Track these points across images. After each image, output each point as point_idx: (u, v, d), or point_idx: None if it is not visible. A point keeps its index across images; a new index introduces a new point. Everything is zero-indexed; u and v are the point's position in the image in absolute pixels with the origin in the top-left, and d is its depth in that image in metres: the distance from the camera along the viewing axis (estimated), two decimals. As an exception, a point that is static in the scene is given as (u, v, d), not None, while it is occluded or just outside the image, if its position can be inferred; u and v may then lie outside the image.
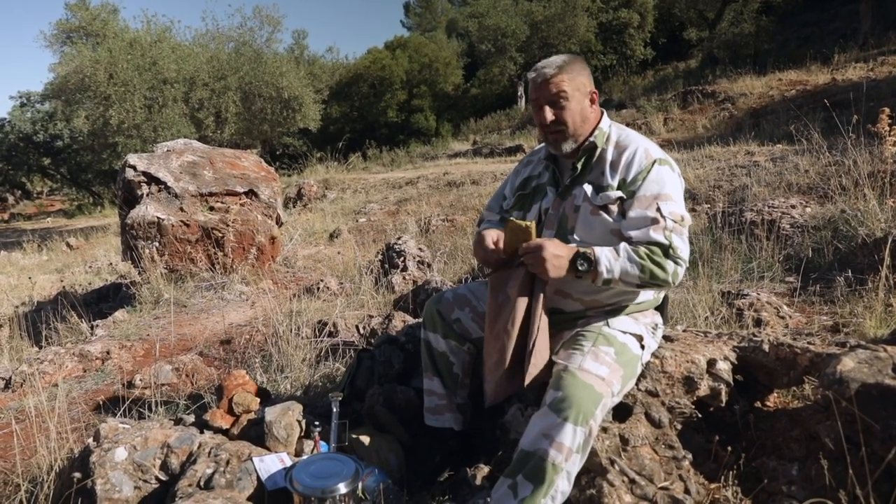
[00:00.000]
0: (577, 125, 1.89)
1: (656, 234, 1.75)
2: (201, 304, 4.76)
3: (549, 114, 1.88)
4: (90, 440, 2.16)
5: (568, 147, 1.92)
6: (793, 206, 4.69)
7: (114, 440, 2.11)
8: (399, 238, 5.59)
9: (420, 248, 5.44)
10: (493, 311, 1.86)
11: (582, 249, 1.75)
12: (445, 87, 26.26)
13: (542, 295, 1.81)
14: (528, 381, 1.78)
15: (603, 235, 1.84)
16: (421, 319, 3.02)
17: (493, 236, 1.88)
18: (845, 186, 4.67)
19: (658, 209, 1.78)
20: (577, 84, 1.88)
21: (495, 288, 1.87)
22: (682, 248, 1.77)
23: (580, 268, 1.73)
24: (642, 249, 1.74)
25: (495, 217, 2.21)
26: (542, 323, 1.81)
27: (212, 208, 5.44)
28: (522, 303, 1.81)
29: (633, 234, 1.78)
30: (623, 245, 1.76)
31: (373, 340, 3.22)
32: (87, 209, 23.52)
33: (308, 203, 11.85)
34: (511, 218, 1.87)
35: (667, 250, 1.75)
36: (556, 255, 1.72)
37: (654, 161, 1.84)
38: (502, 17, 21.56)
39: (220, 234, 5.30)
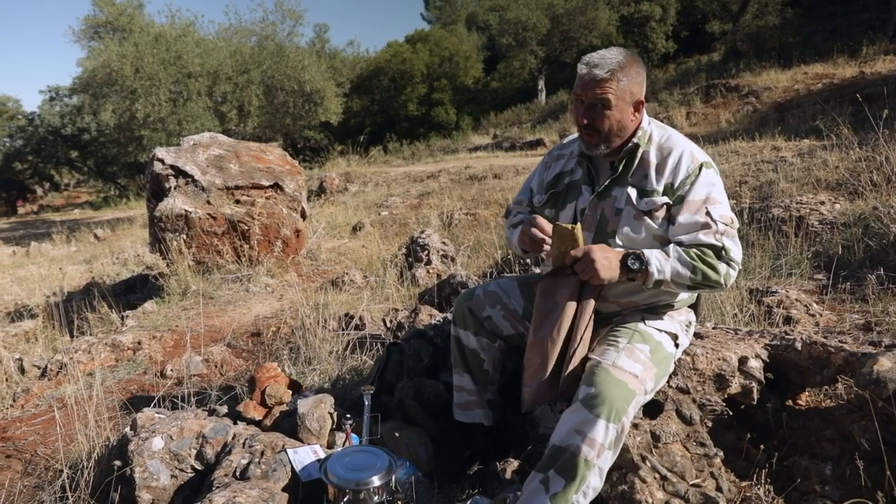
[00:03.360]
0: (612, 133, 1.83)
1: (707, 238, 1.74)
2: (228, 296, 4.83)
3: (585, 117, 1.82)
4: (128, 429, 2.21)
5: (599, 151, 1.87)
6: (821, 203, 4.62)
7: (150, 429, 2.16)
8: (422, 232, 5.61)
9: (443, 242, 5.46)
10: (540, 318, 1.83)
11: (631, 250, 1.73)
12: (466, 80, 26.21)
13: (590, 306, 1.80)
14: (561, 387, 1.78)
15: (646, 240, 1.82)
16: (448, 314, 3.06)
17: (545, 224, 1.84)
18: (876, 183, 4.59)
19: (708, 213, 1.76)
20: (624, 93, 1.79)
21: (544, 294, 1.83)
22: (735, 251, 1.76)
23: (632, 266, 1.70)
24: (693, 251, 1.73)
25: (525, 210, 2.17)
26: (586, 333, 1.80)
27: (238, 201, 5.50)
28: (570, 311, 1.78)
29: (684, 238, 1.76)
30: (672, 246, 1.74)
31: (399, 334, 3.25)
32: (112, 201, 23.89)
33: (330, 196, 11.92)
34: (557, 223, 1.81)
35: (719, 252, 1.73)
36: (606, 256, 1.70)
37: (702, 165, 1.81)
38: (523, 11, 21.46)
39: (246, 227, 5.37)
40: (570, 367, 1.77)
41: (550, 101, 22.35)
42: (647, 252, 1.72)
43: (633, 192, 1.84)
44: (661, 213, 1.81)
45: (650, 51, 22.77)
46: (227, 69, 16.47)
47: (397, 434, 2.22)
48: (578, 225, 1.77)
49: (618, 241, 1.84)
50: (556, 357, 1.79)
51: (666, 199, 1.81)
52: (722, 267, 1.73)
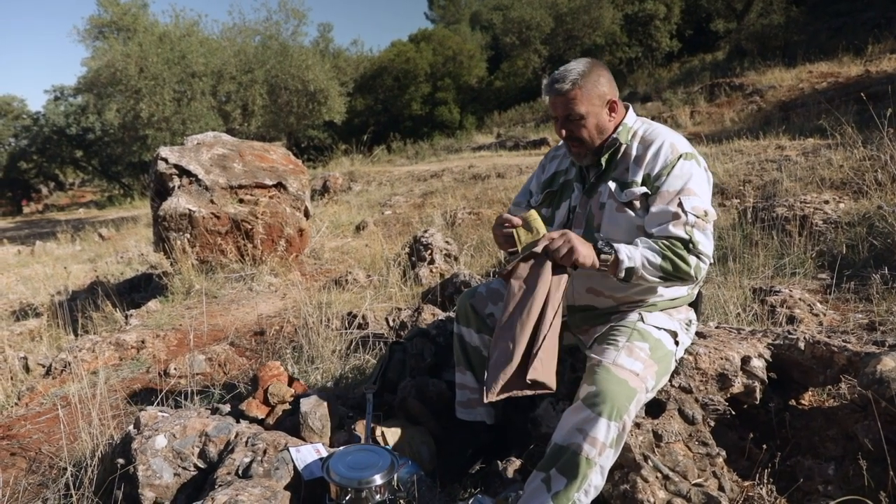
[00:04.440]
0: (593, 138, 1.90)
1: (676, 230, 1.73)
2: (231, 295, 4.84)
3: (564, 131, 1.90)
4: (131, 427, 2.22)
5: (587, 161, 1.94)
6: (826, 202, 4.61)
7: (154, 428, 2.17)
8: (426, 231, 5.62)
9: (447, 241, 5.46)
10: (510, 302, 1.78)
11: (602, 239, 1.74)
12: (469, 79, 26.18)
13: (560, 291, 1.76)
14: (530, 375, 1.68)
15: (629, 232, 1.83)
16: (451, 312, 3.06)
17: (512, 217, 1.84)
18: (881, 182, 4.58)
19: (680, 204, 1.76)
20: (592, 99, 1.85)
21: (516, 278, 1.79)
22: (705, 244, 1.75)
23: (602, 249, 1.69)
24: (662, 241, 1.73)
25: (523, 211, 2.19)
26: (555, 321, 1.74)
27: (241, 201, 5.51)
28: (541, 295, 1.74)
29: (654, 230, 1.77)
30: (641, 238, 1.75)
31: (402, 333, 3.25)
32: (117, 200, 23.98)
33: (334, 195, 11.92)
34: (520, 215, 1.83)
35: (687, 244, 1.72)
36: (583, 241, 1.71)
37: (680, 156, 1.82)
38: (526, 10, 21.42)
39: (250, 226, 5.38)
40: (539, 360, 1.69)
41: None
42: (614, 243, 1.72)
43: (613, 185, 1.88)
44: (639, 203, 1.83)
45: (654, 49, 22.72)
46: (231, 69, 16.50)
47: (400, 433, 2.22)
48: (532, 210, 1.80)
49: (602, 234, 1.86)
50: (526, 343, 1.72)
51: (644, 189, 1.83)
52: (692, 259, 1.73)
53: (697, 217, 1.75)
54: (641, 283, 1.76)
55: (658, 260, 1.70)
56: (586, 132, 1.87)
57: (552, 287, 1.75)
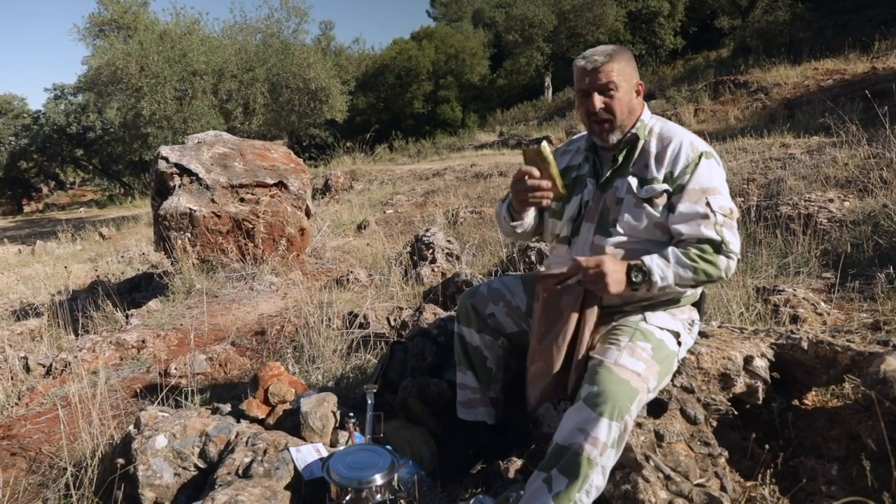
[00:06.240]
0: (624, 116, 1.88)
1: (707, 231, 1.75)
2: (232, 295, 4.83)
3: (598, 102, 1.86)
4: (131, 427, 2.22)
5: (614, 138, 1.91)
6: (830, 200, 4.59)
7: (154, 428, 2.16)
8: (427, 230, 5.61)
9: (449, 241, 5.45)
10: (543, 326, 1.88)
11: (633, 262, 1.75)
12: (472, 77, 26.16)
13: (593, 313, 1.84)
14: (571, 388, 1.83)
15: (647, 228, 1.83)
16: (452, 312, 3.05)
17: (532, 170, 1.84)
18: (886, 180, 4.55)
19: (707, 203, 1.77)
20: (626, 75, 1.86)
21: (547, 303, 1.88)
22: (734, 242, 1.77)
23: (635, 279, 1.72)
24: (693, 251, 1.74)
25: None
26: (590, 340, 1.84)
27: (242, 200, 5.50)
28: (574, 319, 1.83)
29: (683, 229, 1.78)
30: (671, 249, 1.76)
31: (403, 332, 3.25)
32: (118, 199, 23.99)
33: (335, 194, 11.92)
34: (525, 148, 1.89)
35: (718, 246, 1.74)
36: (616, 269, 1.71)
37: (701, 154, 1.83)
38: (529, 7, 21.39)
39: (251, 226, 5.37)
40: (577, 371, 1.81)
41: (557, 98, 22.27)
42: (647, 261, 1.73)
43: (633, 180, 1.87)
44: (661, 201, 1.83)
45: (658, 47, 22.70)
46: (233, 67, 16.50)
47: (400, 433, 2.21)
48: (543, 143, 1.81)
49: (619, 229, 1.86)
50: (562, 361, 1.83)
51: (665, 187, 1.83)
52: (722, 261, 1.75)
53: (725, 216, 1.77)
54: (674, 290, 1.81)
55: (689, 274, 1.73)
56: (619, 106, 1.85)
57: (587, 314, 1.83)
